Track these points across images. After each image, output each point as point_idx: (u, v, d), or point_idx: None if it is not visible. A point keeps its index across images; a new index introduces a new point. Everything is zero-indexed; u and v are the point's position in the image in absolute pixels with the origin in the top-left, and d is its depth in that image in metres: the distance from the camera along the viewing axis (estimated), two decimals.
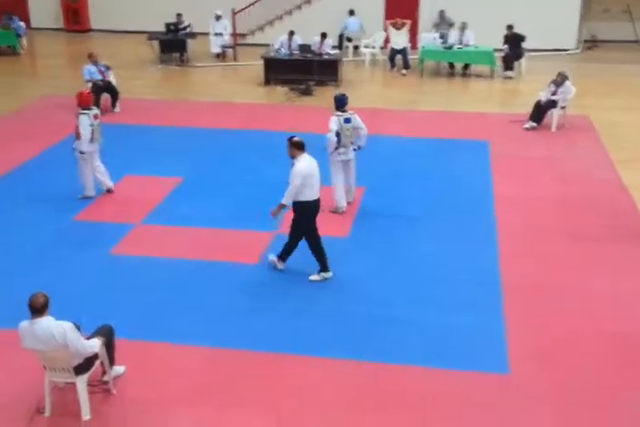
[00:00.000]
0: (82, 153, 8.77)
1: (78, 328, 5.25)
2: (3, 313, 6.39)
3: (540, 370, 5.90)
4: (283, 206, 7.09)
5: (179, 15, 16.93)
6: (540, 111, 11.97)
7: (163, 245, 7.99)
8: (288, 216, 7.41)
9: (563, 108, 11.96)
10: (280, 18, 18.50)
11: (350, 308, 6.78)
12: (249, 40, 18.63)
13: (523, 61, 15.68)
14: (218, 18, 17.08)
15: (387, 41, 16.65)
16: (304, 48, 15.03)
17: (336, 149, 8.49)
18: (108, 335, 5.51)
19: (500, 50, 15.60)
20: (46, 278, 7.13)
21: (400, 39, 16.04)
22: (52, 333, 4.99)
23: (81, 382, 5.27)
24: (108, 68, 12.86)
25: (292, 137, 7.16)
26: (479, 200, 9.24)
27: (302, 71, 14.78)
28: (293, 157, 7.10)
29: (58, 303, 5.30)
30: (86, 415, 5.31)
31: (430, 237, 8.22)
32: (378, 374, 5.86)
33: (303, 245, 7.83)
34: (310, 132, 11.29)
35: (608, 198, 9.29)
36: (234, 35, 17.70)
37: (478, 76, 15.82)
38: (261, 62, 15.15)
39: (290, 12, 18.44)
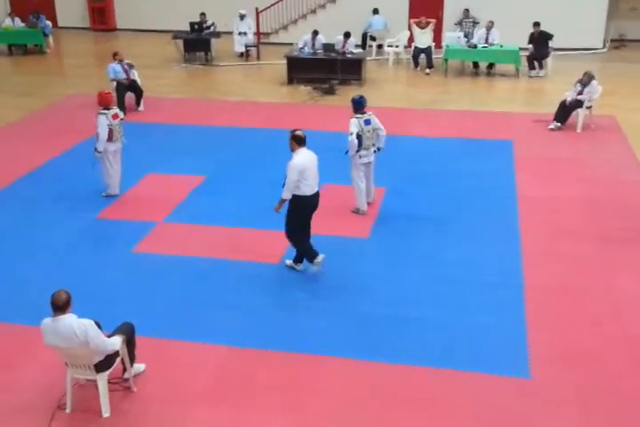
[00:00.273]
0: (99, 152, 8.81)
1: (99, 326, 5.29)
2: (26, 310, 6.46)
3: (563, 375, 5.81)
4: (284, 201, 7.11)
5: (202, 15, 17.00)
6: (565, 111, 11.83)
7: (184, 243, 8.02)
8: None
9: (589, 108, 11.81)
10: (304, 17, 18.51)
11: (370, 308, 6.75)
12: (272, 39, 18.66)
13: (549, 60, 15.50)
14: (242, 17, 17.13)
15: (411, 40, 16.57)
16: (327, 47, 15.01)
17: (357, 151, 8.44)
18: (128, 333, 5.54)
19: (526, 49, 15.44)
20: (69, 276, 7.20)
21: (424, 38, 15.96)
22: (73, 330, 5.03)
23: (101, 379, 5.31)
24: (131, 66, 12.95)
25: (294, 130, 7.16)
26: (503, 201, 9.15)
27: (325, 70, 14.77)
28: (293, 151, 7.12)
29: (80, 301, 5.34)
30: (106, 413, 5.35)
31: (453, 238, 8.16)
32: (396, 375, 5.82)
33: (322, 244, 7.83)
34: (333, 131, 11.34)
35: (635, 200, 9.14)
36: (257, 34, 17.74)
37: (503, 75, 15.69)
38: (285, 61, 15.16)
39: (314, 11, 18.44)
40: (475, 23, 16.89)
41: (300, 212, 7.16)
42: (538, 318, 6.58)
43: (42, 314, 5.18)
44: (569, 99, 11.80)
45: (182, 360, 6.02)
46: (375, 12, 17.39)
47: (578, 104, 11.74)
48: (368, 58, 16.08)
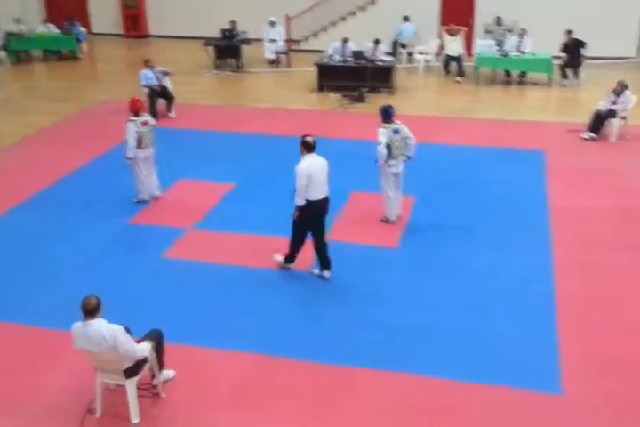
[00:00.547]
0: (128, 159, 8.87)
1: (129, 331, 5.33)
2: (57, 313, 6.52)
3: (595, 389, 5.71)
4: (299, 208, 7.15)
5: (233, 22, 17.13)
6: (598, 121, 11.66)
7: (214, 250, 8.05)
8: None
9: (622, 118, 11.64)
10: (334, 24, 18.53)
11: (397, 318, 6.71)
12: (302, 46, 18.71)
13: (582, 69, 15.32)
14: (272, 24, 17.21)
15: (441, 47, 16.50)
16: (357, 54, 15.00)
17: (386, 161, 8.39)
18: (157, 339, 5.57)
19: (558, 57, 15.28)
20: (99, 280, 7.27)
21: (455, 46, 15.88)
22: (103, 335, 5.07)
23: (131, 384, 5.34)
24: (166, 73, 13.06)
25: (304, 136, 7.22)
26: (534, 211, 9.04)
27: (355, 78, 14.75)
28: (302, 156, 7.18)
29: (110, 305, 5.37)
30: (135, 418, 5.38)
31: (483, 248, 8.08)
32: (421, 386, 5.78)
33: (350, 252, 7.82)
34: (362, 139, 11.32)
35: None
36: (288, 41, 17.81)
37: (535, 84, 15.53)
38: (314, 69, 15.19)
39: (344, 19, 18.45)
40: (507, 31, 16.76)
41: (309, 216, 7.18)
42: (569, 328, 6.49)
43: (73, 318, 5.22)
44: (603, 108, 11.64)
45: (210, 366, 6.03)
46: (406, 19, 17.34)
47: (611, 114, 11.57)
48: (398, 65, 16.04)
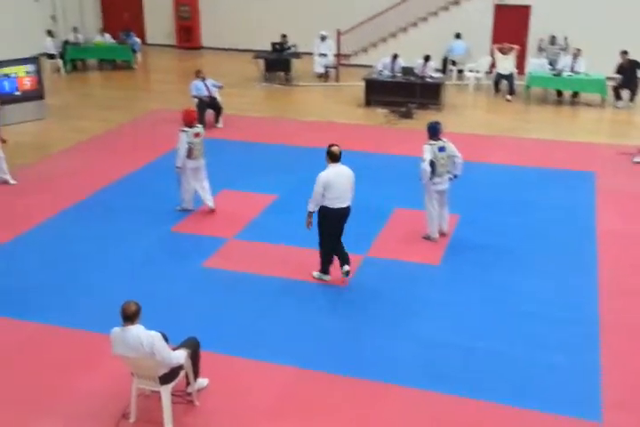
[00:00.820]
0: (177, 167, 8.96)
1: (166, 339, 5.37)
2: (99, 318, 6.59)
3: (635, 420, 5.51)
4: (310, 213, 7.33)
5: (284, 36, 17.31)
6: None
7: (254, 261, 8.07)
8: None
9: None
10: (384, 40, 18.57)
11: (437, 337, 6.61)
12: (352, 61, 18.78)
13: (638, 91, 14.98)
14: (323, 38, 17.32)
15: (492, 65, 16.36)
16: (406, 71, 14.97)
17: (430, 178, 8.31)
18: (193, 348, 5.58)
19: (613, 78, 14.99)
20: (140, 286, 7.36)
21: (507, 64, 15.71)
22: (140, 341, 5.10)
23: (165, 391, 5.36)
24: (218, 87, 13.21)
25: (330, 145, 7.31)
26: (581, 234, 8.84)
27: (404, 94, 14.71)
28: (327, 165, 7.28)
29: (149, 312, 5.42)
30: (169, 425, 5.39)
31: (526, 271, 7.92)
32: (459, 408, 5.66)
33: (391, 269, 7.76)
34: (408, 155, 11.26)
35: None
36: (338, 55, 17.90)
37: (588, 104, 15.25)
38: (363, 83, 15.21)
39: (395, 35, 18.48)
40: (561, 50, 16.52)
41: (328, 222, 7.32)
42: (613, 357, 6.29)
43: (113, 323, 5.28)
44: None
45: (245, 377, 6.03)
46: (457, 36, 17.27)
47: None
48: (448, 82, 15.96)
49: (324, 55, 17.32)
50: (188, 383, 5.67)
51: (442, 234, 8.67)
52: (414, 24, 18.35)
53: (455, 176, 8.46)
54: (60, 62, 17.78)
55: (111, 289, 7.32)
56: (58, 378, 6.00)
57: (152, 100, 15.49)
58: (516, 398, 5.76)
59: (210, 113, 13.13)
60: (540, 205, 9.71)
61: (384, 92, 14.97)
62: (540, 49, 17.02)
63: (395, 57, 15.31)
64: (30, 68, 13.47)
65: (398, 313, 7.04)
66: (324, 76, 17.47)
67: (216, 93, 13.24)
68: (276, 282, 7.61)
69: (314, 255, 8.14)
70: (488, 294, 7.42)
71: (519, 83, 15.81)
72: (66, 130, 13.16)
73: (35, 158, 11.57)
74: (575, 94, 15.53)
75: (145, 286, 7.37)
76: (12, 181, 10.35)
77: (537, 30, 17.42)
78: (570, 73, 15.07)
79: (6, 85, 13.16)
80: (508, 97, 15.59)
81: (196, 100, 13.02)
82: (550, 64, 15.80)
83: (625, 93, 15.02)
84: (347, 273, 7.48)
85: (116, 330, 5.23)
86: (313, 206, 7.27)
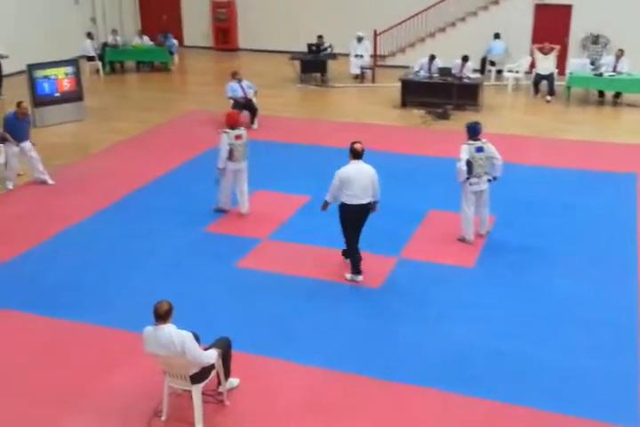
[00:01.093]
0: (218, 169, 8.97)
1: (197, 338, 5.37)
2: (132, 317, 6.61)
3: None
4: (325, 202, 7.55)
5: (320, 37, 17.29)
6: None
7: (287, 261, 8.04)
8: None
9: None
10: (422, 40, 18.43)
11: (470, 340, 6.50)
12: (389, 62, 18.69)
13: None
14: (359, 39, 17.26)
15: (532, 66, 16.10)
16: (444, 71, 14.82)
17: (467, 179, 8.19)
18: (225, 347, 5.57)
19: None
20: (173, 286, 7.39)
21: (547, 64, 15.43)
22: (172, 340, 5.11)
23: (196, 390, 5.36)
24: (254, 90, 13.26)
25: (353, 143, 7.46)
26: (622, 236, 8.62)
27: (441, 95, 14.56)
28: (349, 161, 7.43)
29: (181, 311, 5.43)
30: (199, 424, 5.39)
31: (565, 274, 7.74)
32: (492, 412, 5.55)
33: (425, 271, 7.65)
34: (444, 156, 11.13)
35: None
36: (374, 56, 17.82)
37: (631, 105, 14.90)
38: (399, 84, 15.10)
39: (433, 35, 18.32)
40: (603, 47, 16.16)
41: (345, 218, 7.46)
42: None
43: (146, 321, 5.29)
44: None
45: (277, 378, 6.00)
46: (496, 36, 17.05)
47: None
48: (486, 83, 15.75)
49: (360, 56, 17.26)
50: (219, 383, 5.67)
51: (480, 236, 8.53)
52: (453, 24, 18.17)
53: (494, 178, 8.32)
54: (99, 64, 18.05)
55: (145, 288, 7.36)
56: (91, 376, 6.05)
57: (188, 102, 15.61)
58: (549, 402, 5.63)
59: (245, 114, 13.16)
60: (579, 207, 9.50)
61: (420, 93, 14.84)
62: (585, 47, 16.68)
63: (432, 57, 15.18)
64: (69, 69, 13.67)
65: (430, 315, 6.95)
66: (359, 78, 17.40)
67: (251, 95, 13.27)
68: (308, 283, 7.57)
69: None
70: (523, 296, 7.28)
71: (559, 83, 15.52)
72: (104, 131, 13.33)
73: (73, 159, 11.74)
74: (617, 95, 15.19)
75: (178, 286, 7.40)
76: (50, 181, 10.51)
77: (578, 30, 17.11)
78: (612, 73, 14.74)
79: (46, 87, 13.37)
80: (548, 98, 15.32)
81: (231, 101, 13.06)
82: (592, 64, 15.48)
83: None
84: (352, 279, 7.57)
85: (149, 329, 5.25)
86: (329, 197, 7.51)
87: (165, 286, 7.33)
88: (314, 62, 17.11)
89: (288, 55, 17.63)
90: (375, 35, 17.82)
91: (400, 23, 18.14)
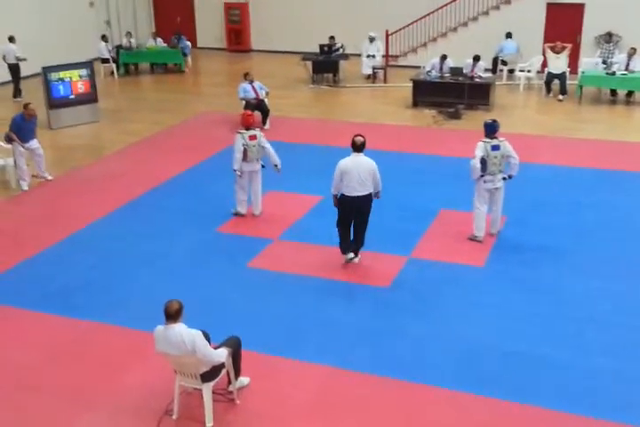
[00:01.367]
0: (234, 170, 8.98)
1: (208, 337, 5.42)
2: (143, 316, 6.70)
3: None
4: (334, 195, 7.73)
5: (331, 37, 17.34)
6: None
7: (298, 261, 8.09)
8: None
9: None
10: (434, 40, 18.42)
11: (480, 340, 6.51)
12: (401, 62, 18.70)
13: None
14: (371, 40, 17.28)
15: (544, 65, 16.05)
16: (455, 71, 14.82)
17: (481, 176, 8.20)
18: (235, 346, 5.63)
19: None
20: (184, 285, 7.46)
21: (559, 63, 15.37)
22: (182, 339, 5.17)
23: (207, 389, 5.42)
24: (266, 92, 13.33)
25: (355, 135, 7.67)
26: (635, 235, 8.59)
27: (452, 94, 14.57)
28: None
29: (192, 310, 5.49)
30: (209, 422, 5.45)
31: (576, 273, 7.73)
32: (503, 412, 5.56)
33: (435, 270, 7.66)
34: (454, 156, 11.14)
35: None
36: (386, 56, 17.84)
37: None
38: (411, 84, 15.11)
39: (445, 35, 18.30)
40: (616, 44, 16.08)
41: (341, 209, 7.69)
42: None
43: (157, 321, 5.36)
44: None
45: (287, 377, 6.05)
46: (508, 36, 17.00)
47: None
48: (498, 83, 15.71)
49: (372, 56, 17.28)
50: (229, 382, 5.72)
51: (490, 235, 8.54)
52: (464, 24, 18.15)
53: (510, 177, 8.33)
54: (113, 66, 18.20)
55: (156, 288, 7.44)
56: (102, 374, 6.13)
57: (201, 103, 15.71)
58: (562, 402, 5.63)
59: (257, 115, 13.20)
60: (592, 207, 9.48)
61: (432, 93, 14.84)
62: (599, 44, 16.58)
63: (443, 57, 15.17)
64: (83, 72, 13.80)
65: (440, 314, 6.97)
66: (371, 78, 17.42)
67: (263, 95, 13.34)
68: (318, 282, 7.61)
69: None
70: (534, 295, 7.27)
71: (571, 82, 15.46)
72: (118, 132, 13.45)
73: (88, 160, 11.86)
74: (630, 94, 15.11)
75: (189, 286, 7.47)
76: (49, 177, 10.77)
77: (590, 29, 17.02)
78: (624, 72, 14.66)
79: (61, 89, 13.51)
80: (560, 97, 15.26)
81: (243, 102, 13.14)
82: (604, 63, 15.40)
83: None
84: (349, 260, 7.85)
85: (159, 328, 5.31)
86: (333, 188, 7.71)
87: (177, 286, 7.40)
88: (326, 63, 17.15)
89: (300, 56, 17.69)
90: (387, 35, 17.84)
91: (412, 23, 18.15)
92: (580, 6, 17.07)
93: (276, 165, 9.04)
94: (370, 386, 5.90)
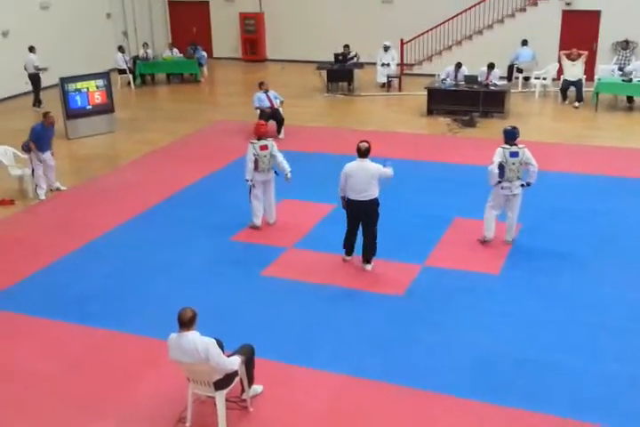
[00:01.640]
0: (246, 180, 8.97)
1: (221, 345, 5.44)
2: (157, 324, 6.71)
3: None
4: (342, 198, 7.97)
5: (346, 46, 17.41)
6: None
7: (311, 270, 8.10)
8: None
9: None
10: (449, 48, 18.42)
11: (494, 348, 6.47)
12: (416, 70, 18.71)
13: None
14: (386, 48, 17.33)
15: (559, 72, 15.98)
16: (470, 79, 14.81)
17: (499, 182, 8.17)
18: (248, 354, 5.64)
19: None
20: (198, 294, 7.48)
21: (575, 70, 15.31)
22: (195, 347, 5.19)
23: (220, 397, 5.43)
24: (280, 101, 13.39)
25: (360, 141, 7.88)
26: None
27: (467, 102, 14.55)
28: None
29: (206, 319, 5.51)
30: None
31: (594, 280, 7.67)
32: (517, 420, 5.52)
33: (450, 278, 7.63)
34: (470, 164, 11.12)
35: None
36: (401, 65, 17.86)
37: None
38: (426, 92, 15.11)
39: (460, 43, 18.31)
40: (632, 50, 15.99)
41: (348, 211, 7.96)
42: None
43: (171, 329, 5.37)
44: None
45: (301, 385, 6.05)
46: (524, 43, 16.96)
47: None
48: (513, 90, 15.68)
49: (387, 65, 17.32)
50: (242, 390, 5.73)
51: (506, 243, 8.51)
52: (479, 32, 18.15)
53: (528, 184, 8.31)
54: (130, 77, 18.37)
55: (171, 296, 7.47)
56: (116, 382, 6.16)
57: (217, 112, 15.82)
58: (576, 410, 5.59)
59: (272, 124, 13.28)
60: (607, 214, 9.40)
61: (446, 101, 14.83)
62: (616, 50, 16.50)
63: (458, 65, 15.17)
64: (100, 82, 13.93)
65: (455, 322, 6.93)
66: (386, 86, 17.45)
67: (278, 105, 13.40)
68: (332, 290, 7.61)
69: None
70: (549, 303, 7.23)
71: (587, 89, 15.39)
72: (134, 142, 13.57)
73: (104, 170, 11.97)
74: None
75: (203, 294, 7.49)
76: (62, 188, 10.90)
77: (606, 36, 16.95)
78: None
79: (78, 100, 13.66)
80: (576, 104, 15.19)
81: (258, 111, 13.21)
82: (620, 70, 15.31)
83: None
84: (347, 260, 8.17)
85: (173, 336, 5.34)
86: (340, 191, 7.96)
87: (191, 294, 7.43)
88: (340, 72, 17.20)
89: (315, 65, 17.76)
90: (402, 43, 17.87)
91: (427, 31, 18.18)
92: (596, 13, 17.02)
93: (286, 174, 9.04)
94: (383, 394, 5.88)
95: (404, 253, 8.36)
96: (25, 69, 15.72)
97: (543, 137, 13.05)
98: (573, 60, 15.40)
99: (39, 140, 10.54)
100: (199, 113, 15.75)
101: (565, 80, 15.44)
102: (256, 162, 8.85)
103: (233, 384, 5.53)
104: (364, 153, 7.78)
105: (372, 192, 7.72)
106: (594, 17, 17.07)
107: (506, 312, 7.08)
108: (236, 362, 5.41)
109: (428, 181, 10.85)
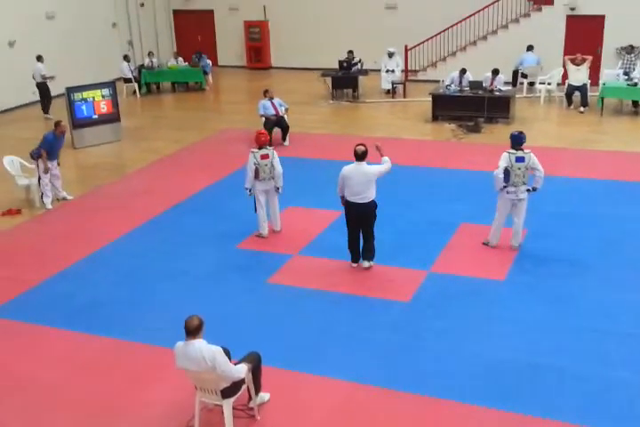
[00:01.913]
0: (245, 188, 8.98)
1: (228, 353, 5.44)
2: (163, 332, 6.75)
3: None
4: (342, 198, 8.10)
5: (350, 52, 17.46)
6: None
7: (318, 277, 8.10)
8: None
9: None
10: (453, 54, 18.45)
11: (500, 354, 6.45)
12: (420, 76, 18.75)
13: None
14: (390, 55, 17.37)
15: (564, 77, 15.98)
16: (474, 84, 14.82)
17: (504, 187, 8.17)
18: (255, 362, 5.63)
19: None
20: (204, 302, 7.50)
21: (580, 75, 15.30)
22: (202, 355, 5.19)
23: (227, 405, 5.42)
24: (284, 107, 13.43)
25: (357, 144, 7.95)
26: None
27: (471, 108, 14.56)
28: None
29: (212, 326, 5.52)
30: None
31: (600, 286, 7.65)
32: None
33: (456, 284, 7.62)
34: (476, 170, 11.11)
35: None
36: (405, 71, 17.89)
37: None
38: (430, 99, 15.13)
39: (464, 49, 18.33)
40: (637, 55, 15.97)
41: (346, 213, 8.08)
42: None
43: (178, 337, 5.38)
44: None
45: (307, 392, 6.04)
46: (529, 48, 16.97)
47: None
48: (518, 95, 15.68)
49: (392, 71, 17.36)
50: (249, 398, 5.72)
51: (512, 249, 8.50)
52: (484, 38, 18.17)
53: (534, 189, 8.30)
54: (135, 86, 18.46)
55: (177, 304, 7.48)
56: (124, 391, 6.17)
57: (222, 120, 15.87)
58: (584, 416, 5.55)
59: (277, 131, 13.32)
60: (613, 219, 9.38)
61: (451, 107, 14.85)
62: (621, 55, 16.49)
63: (463, 71, 15.19)
64: (106, 91, 14.01)
65: (461, 329, 6.91)
66: (391, 93, 17.48)
67: (283, 112, 13.43)
68: (337, 297, 7.61)
69: (376, 271, 8.13)
70: (556, 309, 7.20)
71: (592, 94, 15.37)
72: (140, 150, 13.63)
73: (111, 178, 12.02)
74: None
75: (210, 302, 7.51)
76: (69, 197, 10.95)
77: (611, 40, 16.95)
78: None
79: (84, 110, 13.73)
80: (581, 109, 15.18)
81: (263, 118, 13.25)
82: (625, 74, 15.30)
83: None
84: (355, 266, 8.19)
85: (180, 344, 5.34)
86: (338, 191, 8.14)
87: (198, 302, 7.44)
88: (345, 79, 17.24)
89: (320, 72, 17.81)
90: (406, 50, 17.91)
91: (431, 38, 18.22)
92: (601, 18, 17.02)
93: (277, 188, 9.07)
94: (390, 401, 5.87)
95: (409, 259, 8.36)
96: (33, 78, 15.83)
97: (549, 142, 13.05)
98: (578, 64, 15.40)
99: (50, 148, 10.60)
100: (204, 121, 15.81)
101: (570, 85, 15.43)
102: (257, 171, 8.85)
103: (240, 392, 5.52)
104: (360, 156, 7.87)
105: (370, 194, 7.84)
106: (598, 22, 17.07)
107: (512, 318, 7.06)
108: (242, 370, 5.41)
109: (433, 186, 10.85)
